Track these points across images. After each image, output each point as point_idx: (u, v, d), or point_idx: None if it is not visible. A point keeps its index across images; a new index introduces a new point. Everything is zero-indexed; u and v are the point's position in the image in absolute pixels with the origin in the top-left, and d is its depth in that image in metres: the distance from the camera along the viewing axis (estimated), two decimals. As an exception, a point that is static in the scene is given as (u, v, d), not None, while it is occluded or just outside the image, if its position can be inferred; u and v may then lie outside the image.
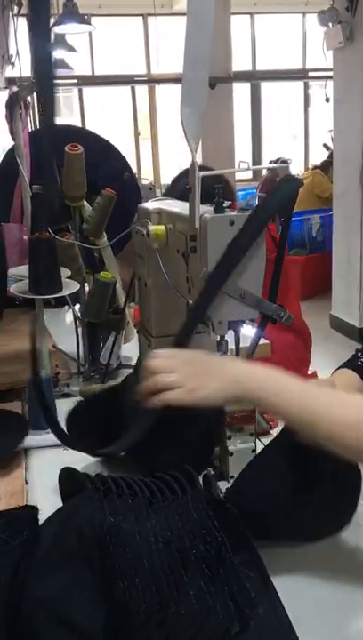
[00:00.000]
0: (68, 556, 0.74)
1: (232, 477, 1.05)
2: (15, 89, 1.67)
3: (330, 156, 5.95)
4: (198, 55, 0.87)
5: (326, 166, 6.15)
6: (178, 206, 1.20)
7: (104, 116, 8.37)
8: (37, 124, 3.12)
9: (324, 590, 0.83)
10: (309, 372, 2.53)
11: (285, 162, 1.11)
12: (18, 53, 2.77)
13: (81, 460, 1.16)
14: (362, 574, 0.86)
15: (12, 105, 1.64)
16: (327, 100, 4.70)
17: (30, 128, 2.12)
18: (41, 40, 0.73)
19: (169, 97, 7.35)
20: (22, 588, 0.73)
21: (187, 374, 0.79)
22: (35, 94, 1.80)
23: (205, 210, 0.97)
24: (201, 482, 0.88)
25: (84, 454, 1.15)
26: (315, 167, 6.52)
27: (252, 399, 0.84)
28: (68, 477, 0.93)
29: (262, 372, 0.82)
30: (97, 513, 0.77)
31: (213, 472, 1.11)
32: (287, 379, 0.82)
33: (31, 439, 1.30)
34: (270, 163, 4.44)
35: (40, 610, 0.70)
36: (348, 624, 0.79)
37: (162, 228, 1.18)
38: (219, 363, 0.86)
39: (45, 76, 0.73)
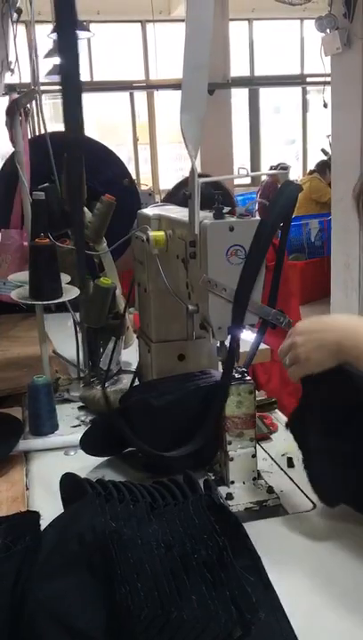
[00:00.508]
0: (70, 561, 0.74)
1: (233, 482, 1.06)
2: (15, 96, 1.68)
3: (329, 160, 5.96)
4: (198, 62, 0.88)
5: (322, 168, 6.17)
6: (177, 212, 1.21)
7: (103, 122, 8.39)
8: (36, 131, 3.13)
9: (324, 595, 0.83)
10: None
11: (284, 168, 1.12)
12: (17, 60, 2.77)
13: (81, 466, 1.16)
14: (361, 579, 0.87)
15: (12, 112, 1.64)
16: (325, 105, 4.71)
17: (30, 135, 2.13)
18: (69, 51, 0.74)
19: (168, 103, 7.38)
20: (24, 592, 0.73)
21: (301, 347, 0.89)
22: (34, 102, 1.81)
23: (205, 216, 0.98)
24: (202, 487, 0.89)
25: (83, 460, 1.16)
26: (312, 171, 6.53)
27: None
28: (70, 483, 0.93)
29: (356, 336, 0.86)
30: (99, 518, 0.78)
31: (213, 477, 1.11)
32: None
33: (31, 443, 1.30)
34: (271, 168, 4.46)
35: (42, 614, 0.70)
36: (348, 628, 0.79)
37: (162, 233, 1.19)
38: (328, 327, 0.90)
39: (73, 88, 0.74)
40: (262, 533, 0.92)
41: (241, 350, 1.07)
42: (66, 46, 0.76)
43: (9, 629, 0.72)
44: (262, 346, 1.35)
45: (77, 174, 0.86)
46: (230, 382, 1.02)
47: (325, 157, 6.28)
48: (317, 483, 0.97)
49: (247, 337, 1.15)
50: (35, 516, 0.89)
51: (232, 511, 0.91)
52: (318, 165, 6.41)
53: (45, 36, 3.46)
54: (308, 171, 7.03)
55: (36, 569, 0.76)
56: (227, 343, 1.05)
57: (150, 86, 7.79)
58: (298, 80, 8.55)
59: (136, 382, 1.43)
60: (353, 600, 0.82)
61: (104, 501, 0.81)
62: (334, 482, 0.95)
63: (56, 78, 5.52)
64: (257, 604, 0.69)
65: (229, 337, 1.02)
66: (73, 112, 0.77)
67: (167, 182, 7.84)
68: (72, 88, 0.76)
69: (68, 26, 0.76)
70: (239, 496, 1.03)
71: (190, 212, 0.96)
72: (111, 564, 0.72)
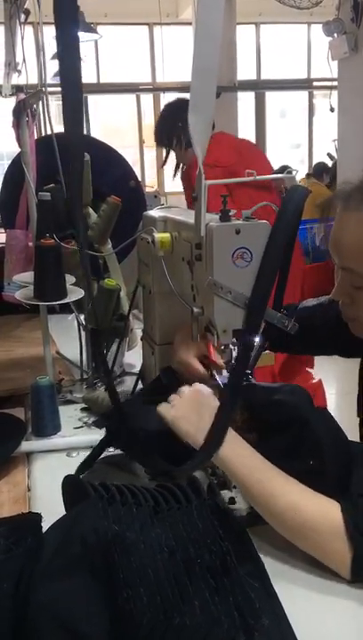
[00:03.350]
0: (73, 564, 0.74)
1: (235, 487, 1.05)
2: (23, 96, 1.68)
3: (334, 165, 5.96)
4: (206, 65, 0.87)
5: (319, 172, 6.16)
6: (183, 214, 1.21)
7: (109, 124, 8.40)
8: (43, 131, 3.13)
9: (327, 601, 0.83)
10: (313, 381, 2.53)
11: (290, 172, 1.12)
12: (24, 61, 2.77)
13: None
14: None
15: (19, 112, 1.64)
16: (332, 109, 4.72)
17: (36, 135, 2.13)
18: (69, 51, 0.74)
19: (174, 105, 7.37)
20: (27, 595, 0.73)
21: (179, 412, 1.00)
22: (41, 103, 1.81)
23: (211, 218, 0.97)
24: (206, 490, 0.88)
25: (85, 462, 1.15)
26: (308, 175, 6.51)
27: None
28: (72, 485, 0.93)
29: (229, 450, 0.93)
30: (101, 521, 0.77)
31: (216, 480, 1.10)
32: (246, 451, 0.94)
33: (33, 445, 1.29)
34: (274, 172, 4.46)
35: (45, 617, 0.70)
36: (350, 635, 0.78)
37: (167, 235, 1.18)
38: (203, 425, 0.95)
39: (73, 87, 0.74)
40: (264, 538, 0.91)
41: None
42: (66, 43, 0.76)
43: (12, 631, 0.71)
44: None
45: (77, 171, 0.85)
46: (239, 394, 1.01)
47: (330, 162, 6.29)
48: None
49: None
50: (36, 517, 0.88)
51: (236, 515, 0.91)
52: (315, 169, 6.40)
53: (53, 37, 3.47)
54: (305, 174, 7.01)
55: (39, 571, 0.75)
56: (231, 346, 1.05)
57: (157, 89, 7.81)
58: (305, 84, 8.56)
59: (140, 385, 1.43)
60: (357, 607, 0.82)
61: (107, 504, 0.81)
62: None
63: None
64: (260, 610, 0.68)
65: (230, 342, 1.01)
66: (73, 109, 0.77)
67: (173, 185, 7.86)
68: (72, 85, 0.76)
69: (68, 24, 0.76)
70: (242, 500, 1.03)
71: (196, 215, 0.96)
72: (113, 567, 0.71)
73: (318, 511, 0.85)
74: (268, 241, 0.93)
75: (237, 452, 0.94)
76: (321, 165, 6.53)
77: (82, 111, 0.80)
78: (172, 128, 2.64)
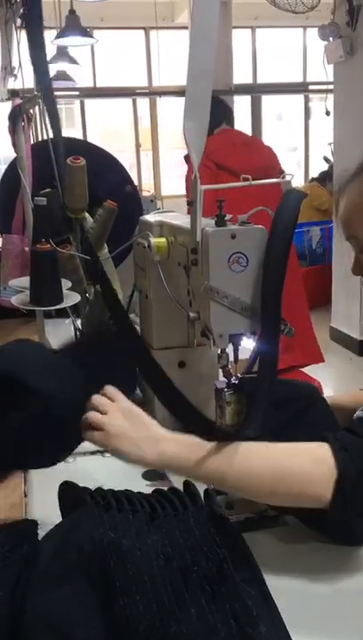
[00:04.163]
0: (69, 572, 0.73)
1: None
2: (18, 101, 1.68)
3: (330, 168, 5.98)
4: (202, 70, 0.87)
5: (323, 178, 6.19)
6: (179, 219, 1.20)
7: (106, 128, 8.42)
8: (39, 136, 3.14)
9: (325, 607, 0.82)
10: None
11: (284, 176, 1.11)
12: (20, 65, 2.78)
13: (80, 475, 1.15)
14: (361, 590, 0.86)
15: (14, 117, 1.64)
16: (328, 113, 4.73)
17: (33, 140, 2.13)
18: (37, 53, 0.74)
19: (170, 109, 7.40)
20: (22, 602, 0.72)
21: (116, 423, 0.86)
22: (37, 107, 1.81)
23: (207, 223, 0.97)
24: (202, 497, 0.88)
25: (82, 468, 1.14)
26: (312, 179, 6.55)
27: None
28: (68, 491, 0.92)
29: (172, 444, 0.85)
30: (97, 528, 0.77)
31: (212, 486, 1.10)
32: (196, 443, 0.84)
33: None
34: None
35: (41, 625, 0.69)
36: (350, 642, 0.78)
37: (163, 240, 1.18)
38: (145, 434, 0.87)
39: (45, 88, 0.75)
40: (262, 544, 0.91)
41: (240, 357, 1.06)
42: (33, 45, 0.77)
43: (8, 639, 0.71)
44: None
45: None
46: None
47: (327, 165, 6.30)
48: None
49: (247, 345, 1.14)
50: (33, 524, 0.88)
51: (232, 521, 0.90)
52: (320, 174, 6.43)
53: (49, 41, 3.47)
54: (310, 179, 7.05)
55: (35, 578, 0.75)
56: (228, 351, 1.04)
57: (153, 93, 7.82)
58: (300, 88, 8.58)
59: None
60: (355, 612, 0.81)
61: (103, 511, 0.80)
62: None
63: (59, 84, 5.55)
64: (257, 618, 0.68)
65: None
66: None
67: (169, 189, 7.87)
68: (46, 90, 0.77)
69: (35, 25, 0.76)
70: (239, 506, 1.02)
71: (192, 220, 0.96)
72: (109, 575, 0.71)
73: (295, 448, 0.84)
74: (267, 247, 0.93)
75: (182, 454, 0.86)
76: (328, 172, 6.55)
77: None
78: None
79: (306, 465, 0.82)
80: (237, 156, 3.00)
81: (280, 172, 2.91)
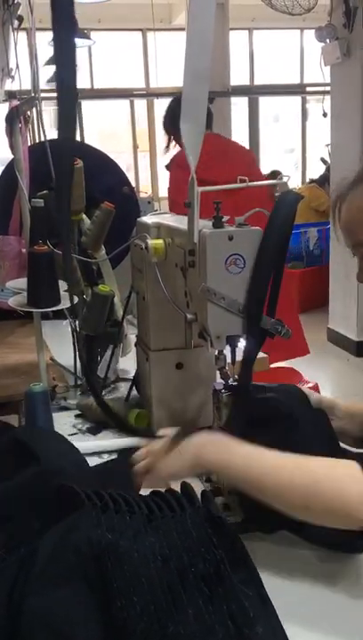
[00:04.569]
0: (66, 573, 0.73)
1: (230, 493, 1.05)
2: (16, 103, 1.68)
3: (327, 170, 5.99)
4: (198, 72, 0.87)
5: (322, 180, 6.20)
6: (177, 221, 1.21)
7: (103, 129, 8.41)
8: (36, 138, 3.14)
9: (321, 609, 0.82)
10: (309, 385, 2.54)
11: (281, 177, 1.12)
12: (18, 67, 2.78)
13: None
14: (358, 592, 0.86)
15: (12, 119, 1.64)
16: (325, 114, 4.73)
17: (30, 142, 2.13)
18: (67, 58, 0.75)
19: (167, 111, 7.38)
20: (20, 603, 0.72)
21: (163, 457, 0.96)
22: (34, 109, 1.81)
23: (204, 224, 0.97)
24: (200, 498, 0.88)
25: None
26: (312, 181, 6.56)
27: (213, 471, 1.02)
28: (66, 493, 0.92)
29: (211, 447, 0.93)
30: (95, 529, 0.77)
31: (210, 487, 1.10)
32: (234, 447, 0.91)
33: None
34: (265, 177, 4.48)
35: (39, 626, 0.69)
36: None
37: (161, 242, 1.18)
38: (185, 444, 0.96)
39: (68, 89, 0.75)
40: (259, 545, 0.91)
41: (238, 359, 1.06)
42: (62, 49, 0.77)
43: (4, 640, 0.71)
44: (260, 354, 1.34)
45: (66, 174, 0.86)
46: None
47: (324, 167, 6.31)
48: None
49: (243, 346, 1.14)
50: (30, 526, 0.88)
51: (229, 523, 0.90)
52: (319, 177, 6.44)
53: (46, 43, 3.48)
54: (308, 180, 7.06)
55: (33, 579, 0.75)
56: (226, 352, 1.04)
57: (150, 94, 7.82)
58: (298, 89, 8.59)
59: (134, 391, 1.43)
60: (351, 612, 0.81)
61: (100, 512, 0.80)
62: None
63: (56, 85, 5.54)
64: (254, 619, 0.68)
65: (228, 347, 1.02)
66: (67, 113, 0.78)
67: (167, 190, 7.86)
68: (67, 90, 0.77)
69: (65, 30, 0.77)
70: (237, 507, 1.02)
71: (190, 221, 0.96)
72: (107, 576, 0.71)
73: (330, 464, 0.84)
74: (259, 247, 0.93)
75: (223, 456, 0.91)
76: (327, 175, 6.55)
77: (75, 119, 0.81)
78: (177, 117, 2.69)
79: (344, 483, 0.80)
80: (214, 169, 3.01)
81: (259, 178, 2.95)
